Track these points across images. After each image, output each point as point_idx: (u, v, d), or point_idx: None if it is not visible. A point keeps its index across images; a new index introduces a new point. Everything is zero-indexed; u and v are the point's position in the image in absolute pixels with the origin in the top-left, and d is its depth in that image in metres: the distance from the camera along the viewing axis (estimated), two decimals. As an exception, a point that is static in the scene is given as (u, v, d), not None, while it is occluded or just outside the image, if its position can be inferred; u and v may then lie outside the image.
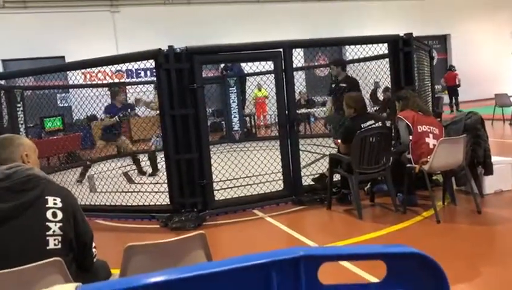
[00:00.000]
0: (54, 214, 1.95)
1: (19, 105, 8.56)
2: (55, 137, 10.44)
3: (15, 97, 8.19)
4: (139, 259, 1.93)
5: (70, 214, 2.00)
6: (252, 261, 0.82)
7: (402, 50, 5.83)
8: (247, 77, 10.81)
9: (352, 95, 5.36)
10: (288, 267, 0.83)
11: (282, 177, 5.67)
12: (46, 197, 1.97)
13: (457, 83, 16.64)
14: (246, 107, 12.47)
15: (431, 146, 4.57)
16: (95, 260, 2.17)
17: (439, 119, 6.55)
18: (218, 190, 5.60)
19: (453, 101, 16.58)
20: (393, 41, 5.92)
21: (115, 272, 2.26)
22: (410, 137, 4.67)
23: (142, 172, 8.11)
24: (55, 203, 1.98)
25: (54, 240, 1.94)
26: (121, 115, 7.55)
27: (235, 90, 12.39)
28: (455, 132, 5.03)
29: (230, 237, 4.73)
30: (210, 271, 0.78)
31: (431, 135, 4.66)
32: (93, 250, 2.16)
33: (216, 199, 5.42)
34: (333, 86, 6.90)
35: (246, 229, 4.89)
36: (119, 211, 5.57)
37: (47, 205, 1.96)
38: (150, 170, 8.05)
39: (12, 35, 14.98)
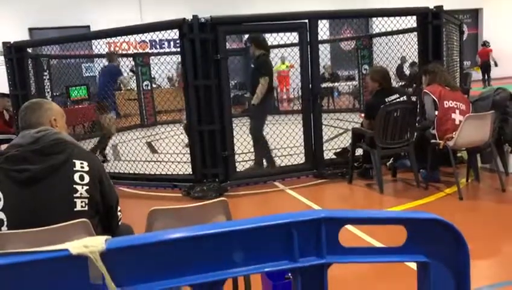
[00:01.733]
0: (81, 177, 2.01)
1: (45, 73, 8.70)
2: (80, 106, 10.61)
3: (41, 65, 8.30)
4: (163, 222, 1.98)
5: (96, 178, 2.05)
6: (274, 221, 0.84)
7: (431, 23, 5.66)
8: (271, 49, 10.70)
9: (377, 69, 5.26)
10: (309, 228, 0.84)
11: (304, 151, 5.67)
12: (74, 161, 2.03)
13: (489, 59, 16.22)
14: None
15: (457, 122, 4.49)
16: (120, 223, 2.24)
17: (466, 95, 6.40)
18: (239, 162, 5.64)
19: (485, 77, 16.25)
20: (422, 14, 5.75)
21: (139, 236, 2.33)
22: (436, 112, 4.59)
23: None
24: (82, 167, 2.03)
25: (81, 202, 2.00)
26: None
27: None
28: (483, 108, 4.92)
29: (250, 207, 4.79)
30: (234, 228, 0.81)
31: (457, 111, 4.57)
32: (119, 213, 2.22)
33: (238, 170, 5.47)
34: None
35: (266, 200, 4.94)
36: (142, 180, 5.68)
37: (74, 168, 2.01)
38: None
39: (38, 4, 15.10)
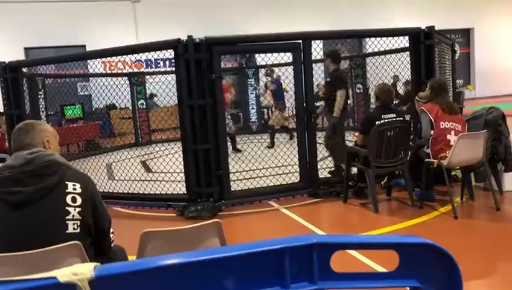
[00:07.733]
0: (74, 199, 1.99)
1: (40, 93, 8.71)
2: (75, 125, 10.60)
3: (37, 85, 8.32)
4: (155, 245, 1.96)
5: (89, 200, 2.04)
6: (266, 246, 0.83)
7: (423, 43, 5.74)
8: (264, 69, 10.79)
9: (380, 86, 5.30)
10: (301, 254, 0.84)
11: (298, 170, 5.67)
12: (66, 183, 2.01)
13: None
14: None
15: (451, 143, 4.50)
16: (112, 245, 2.22)
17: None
18: (234, 181, 5.63)
19: None
20: (414, 34, 5.83)
21: (132, 258, 2.30)
22: (432, 132, 4.60)
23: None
24: (74, 189, 2.01)
25: (73, 224, 1.98)
26: None
27: (254, 82, 12.40)
28: (475, 127, 4.95)
29: (245, 227, 4.75)
30: (225, 255, 0.80)
31: (453, 132, 4.58)
32: (111, 235, 2.20)
33: (232, 189, 5.45)
34: None
35: (261, 219, 4.91)
36: (136, 199, 5.64)
37: (67, 190, 1.99)
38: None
39: (34, 24, 15.20)
